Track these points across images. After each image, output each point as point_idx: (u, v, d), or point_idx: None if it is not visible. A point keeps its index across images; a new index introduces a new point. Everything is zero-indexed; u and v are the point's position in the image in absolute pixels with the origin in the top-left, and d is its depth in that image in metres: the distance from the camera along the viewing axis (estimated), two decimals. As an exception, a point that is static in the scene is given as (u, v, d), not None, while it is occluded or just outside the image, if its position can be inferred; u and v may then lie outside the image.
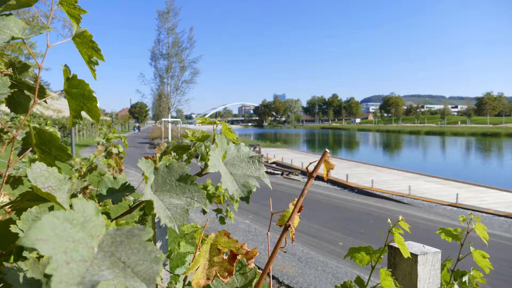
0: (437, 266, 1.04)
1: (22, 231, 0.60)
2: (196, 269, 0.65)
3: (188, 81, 28.28)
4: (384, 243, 1.05)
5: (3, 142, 1.80)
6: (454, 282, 1.15)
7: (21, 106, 0.76)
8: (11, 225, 0.61)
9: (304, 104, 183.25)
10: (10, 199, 1.30)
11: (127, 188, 0.88)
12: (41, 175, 0.58)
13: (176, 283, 0.97)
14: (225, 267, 0.67)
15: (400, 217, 1.02)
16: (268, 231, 0.79)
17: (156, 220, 1.92)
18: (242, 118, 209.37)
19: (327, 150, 0.61)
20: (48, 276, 0.54)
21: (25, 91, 0.76)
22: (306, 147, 42.79)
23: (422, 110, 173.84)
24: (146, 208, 0.65)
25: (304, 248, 6.32)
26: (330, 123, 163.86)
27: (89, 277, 0.29)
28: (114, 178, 0.89)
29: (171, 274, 1.25)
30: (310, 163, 0.62)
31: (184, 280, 0.80)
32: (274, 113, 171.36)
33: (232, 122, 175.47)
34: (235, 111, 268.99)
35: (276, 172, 16.51)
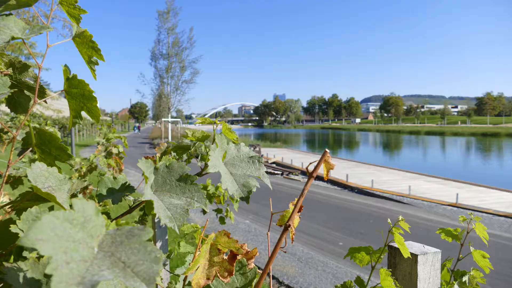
0: (437, 266, 1.04)
1: (22, 231, 0.60)
2: (196, 269, 0.65)
3: (188, 81, 28.29)
4: (384, 243, 1.05)
5: (3, 142, 1.80)
6: (454, 282, 1.15)
7: (21, 106, 0.76)
8: (11, 225, 0.61)
9: (304, 104, 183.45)
10: (10, 199, 1.30)
11: (127, 188, 0.88)
12: (41, 175, 0.58)
13: (176, 283, 0.97)
14: (225, 267, 0.67)
15: (400, 217, 1.02)
16: (268, 231, 0.79)
17: (156, 220, 1.92)
18: (242, 118, 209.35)
19: (327, 150, 0.61)
20: (48, 276, 0.54)
21: (25, 91, 0.76)
22: (306, 147, 42.78)
23: (422, 110, 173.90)
24: (146, 208, 0.65)
25: (304, 248, 6.32)
26: (330, 123, 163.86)
27: (89, 277, 0.29)
28: (114, 178, 0.89)
29: (171, 274, 1.25)
30: (310, 163, 0.62)
31: (184, 280, 0.80)
32: (274, 113, 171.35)
33: (232, 122, 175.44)
34: (235, 111, 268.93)
35: (276, 172, 16.50)
